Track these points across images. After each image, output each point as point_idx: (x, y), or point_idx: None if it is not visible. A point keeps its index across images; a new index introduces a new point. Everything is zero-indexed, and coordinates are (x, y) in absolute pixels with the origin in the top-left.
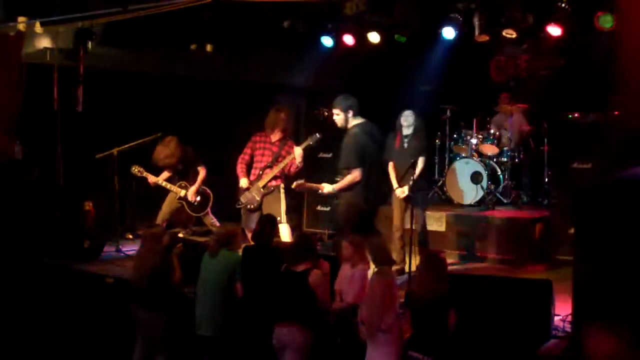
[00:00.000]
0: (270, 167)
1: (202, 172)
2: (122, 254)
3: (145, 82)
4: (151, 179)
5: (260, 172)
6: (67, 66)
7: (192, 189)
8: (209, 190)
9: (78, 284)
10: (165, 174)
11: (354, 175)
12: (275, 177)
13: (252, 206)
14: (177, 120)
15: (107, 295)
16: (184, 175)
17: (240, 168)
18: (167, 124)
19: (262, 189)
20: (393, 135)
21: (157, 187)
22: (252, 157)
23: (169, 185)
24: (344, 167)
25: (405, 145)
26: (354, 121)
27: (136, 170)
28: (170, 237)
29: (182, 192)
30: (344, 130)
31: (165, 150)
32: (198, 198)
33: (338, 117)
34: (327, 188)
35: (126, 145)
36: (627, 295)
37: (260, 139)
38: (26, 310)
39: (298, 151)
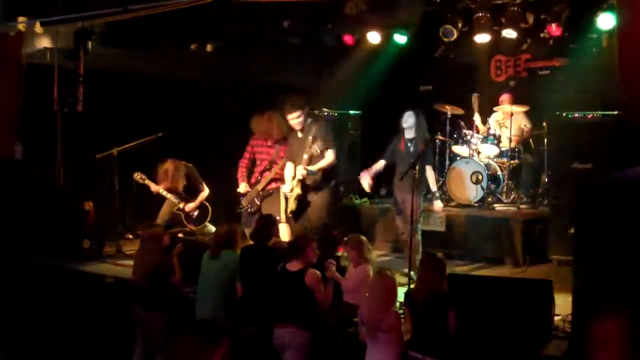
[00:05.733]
0: (268, 170)
1: (204, 192)
2: (122, 254)
3: (145, 82)
4: (153, 187)
5: (259, 176)
6: (67, 66)
7: (191, 205)
8: (208, 205)
9: (78, 284)
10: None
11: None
12: (274, 180)
13: (252, 209)
14: (177, 120)
15: (107, 295)
16: (187, 192)
17: (240, 173)
18: (167, 124)
19: (260, 192)
20: (398, 138)
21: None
22: (252, 160)
23: (169, 195)
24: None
25: (411, 148)
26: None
27: (138, 177)
28: (170, 237)
29: (181, 204)
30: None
31: (167, 175)
32: (196, 212)
33: (299, 119)
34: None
35: (126, 145)
36: (627, 295)
37: (258, 142)
38: (26, 310)
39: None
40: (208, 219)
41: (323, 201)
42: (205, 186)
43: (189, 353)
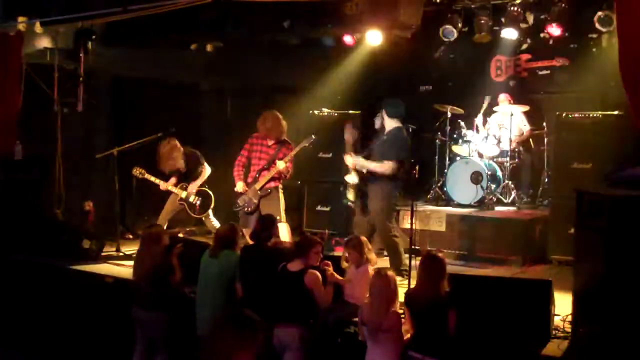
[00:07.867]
0: (266, 169)
1: (204, 172)
2: (122, 254)
3: (145, 82)
4: (162, 186)
5: (257, 175)
6: (67, 66)
7: (191, 187)
8: (210, 192)
9: (78, 284)
10: (173, 180)
11: (388, 165)
12: (272, 179)
13: (249, 209)
14: (177, 120)
15: (107, 295)
16: (188, 177)
17: (236, 171)
18: (167, 124)
19: (258, 192)
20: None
21: (158, 187)
22: (249, 159)
23: (169, 187)
24: (379, 159)
25: None
26: (395, 123)
27: (137, 172)
28: (170, 237)
29: (183, 194)
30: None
31: (166, 154)
32: (199, 201)
33: (377, 115)
34: (350, 160)
35: (126, 145)
36: (626, 296)
37: (257, 141)
38: (26, 310)
39: (282, 165)
40: (212, 205)
41: (382, 192)
42: (204, 167)
43: (227, 350)
